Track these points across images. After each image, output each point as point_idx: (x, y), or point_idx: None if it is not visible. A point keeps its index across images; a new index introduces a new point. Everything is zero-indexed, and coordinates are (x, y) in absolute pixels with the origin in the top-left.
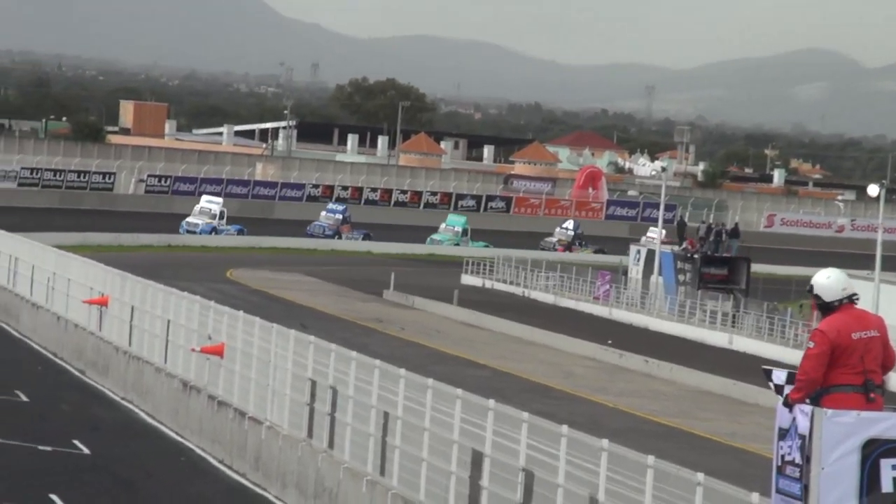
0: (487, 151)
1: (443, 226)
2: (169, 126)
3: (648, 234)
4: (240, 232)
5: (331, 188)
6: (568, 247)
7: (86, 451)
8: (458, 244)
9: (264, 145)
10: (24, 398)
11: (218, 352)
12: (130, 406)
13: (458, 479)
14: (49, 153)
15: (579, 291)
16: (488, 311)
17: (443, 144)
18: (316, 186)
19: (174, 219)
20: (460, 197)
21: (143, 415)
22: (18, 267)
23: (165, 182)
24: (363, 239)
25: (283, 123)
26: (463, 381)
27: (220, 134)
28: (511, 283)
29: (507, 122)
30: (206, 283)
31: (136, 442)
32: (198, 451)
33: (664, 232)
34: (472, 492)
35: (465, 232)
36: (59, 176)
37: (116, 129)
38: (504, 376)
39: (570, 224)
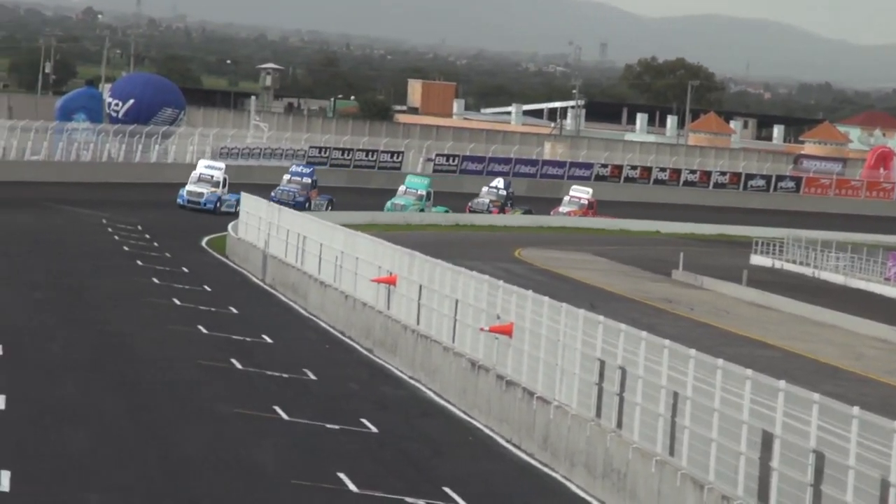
0: (777, 131)
1: (402, 188)
2: (457, 105)
3: None
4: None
5: (619, 167)
6: (501, 208)
7: (374, 429)
8: (422, 210)
9: (553, 125)
10: (312, 377)
11: (507, 331)
12: (418, 385)
13: (747, 460)
14: (337, 132)
15: (870, 272)
16: (777, 291)
17: (732, 124)
18: (605, 166)
19: (461, 198)
20: (749, 177)
21: (430, 394)
22: (307, 245)
23: (453, 161)
24: (327, 207)
25: (571, 103)
26: (752, 362)
27: (509, 113)
28: (801, 263)
29: (796, 102)
30: (492, 263)
31: (424, 421)
32: (485, 430)
33: None
34: (762, 473)
35: (428, 196)
36: (347, 155)
37: (404, 108)
38: (793, 357)
39: (499, 182)
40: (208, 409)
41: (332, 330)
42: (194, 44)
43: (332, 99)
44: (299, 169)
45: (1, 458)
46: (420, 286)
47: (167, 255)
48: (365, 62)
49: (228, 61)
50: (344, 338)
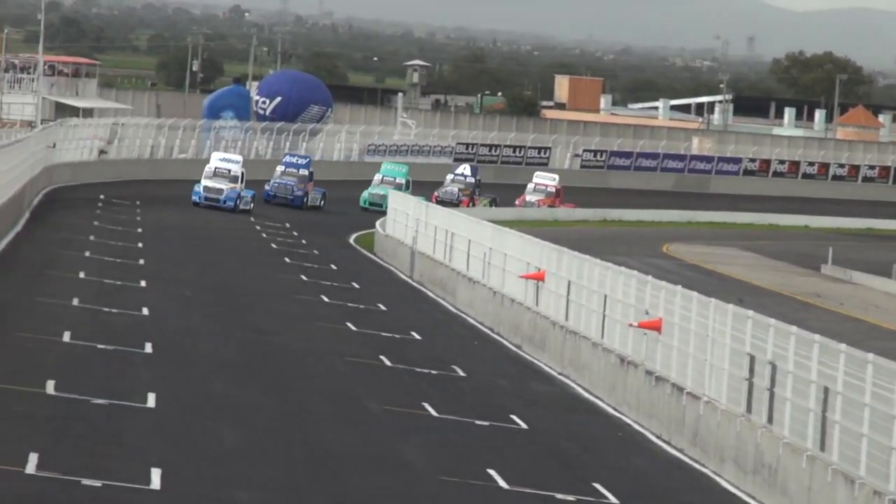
0: None
1: (378, 177)
2: (604, 101)
3: None
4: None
5: (767, 162)
6: (471, 197)
7: (523, 425)
8: None
9: (700, 119)
10: (461, 373)
11: (655, 327)
12: (567, 381)
13: None
14: (484, 128)
15: None
16: None
17: (881, 118)
18: (753, 161)
19: (609, 193)
20: None
21: (579, 390)
22: (455, 242)
23: (601, 157)
24: (321, 201)
25: (719, 97)
26: None
27: (656, 108)
28: None
29: None
30: (640, 258)
31: (574, 417)
32: (635, 426)
33: None
34: None
35: (407, 184)
36: (494, 151)
37: (551, 103)
38: None
39: (465, 170)
40: (357, 406)
41: (480, 326)
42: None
43: (479, 95)
44: (294, 159)
45: (151, 455)
46: (569, 282)
47: (315, 252)
48: (511, 58)
49: (375, 58)
50: (493, 334)
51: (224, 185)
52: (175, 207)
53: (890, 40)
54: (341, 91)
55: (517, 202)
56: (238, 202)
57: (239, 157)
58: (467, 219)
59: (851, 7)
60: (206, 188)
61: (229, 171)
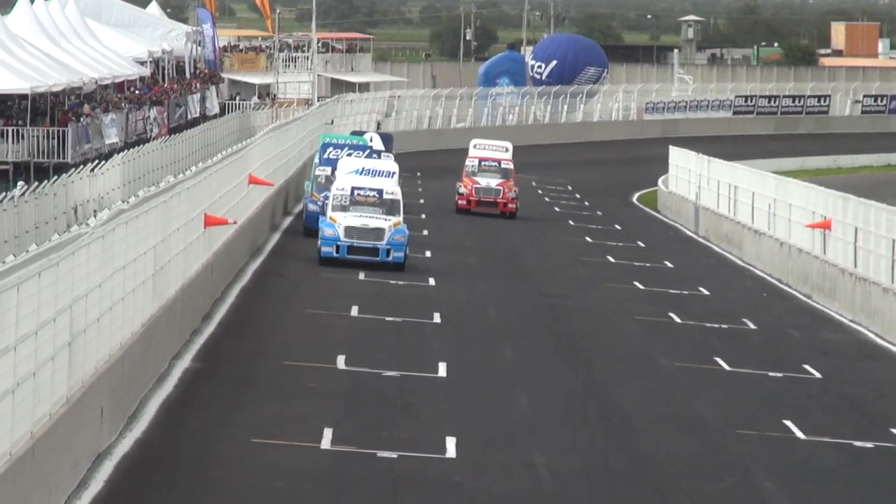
0: None
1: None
2: (882, 45)
3: None
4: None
5: None
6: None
7: (817, 375)
8: None
9: None
10: (752, 326)
11: None
12: (859, 328)
13: None
14: (762, 80)
15: None
16: None
17: None
18: None
19: (891, 138)
20: None
21: (872, 336)
22: (738, 195)
23: (881, 102)
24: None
25: None
26: None
27: None
28: None
29: None
30: None
31: (867, 364)
32: None
33: None
34: None
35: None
36: (773, 102)
37: (829, 51)
38: None
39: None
40: (649, 364)
41: (768, 278)
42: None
43: (755, 47)
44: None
45: (445, 425)
46: (855, 228)
47: (598, 213)
48: (786, 7)
49: (649, 16)
50: (781, 285)
51: (378, 223)
52: (455, 176)
53: None
54: (616, 51)
55: (460, 192)
56: (405, 251)
57: (393, 166)
58: (749, 171)
59: None
60: (350, 231)
61: (381, 193)
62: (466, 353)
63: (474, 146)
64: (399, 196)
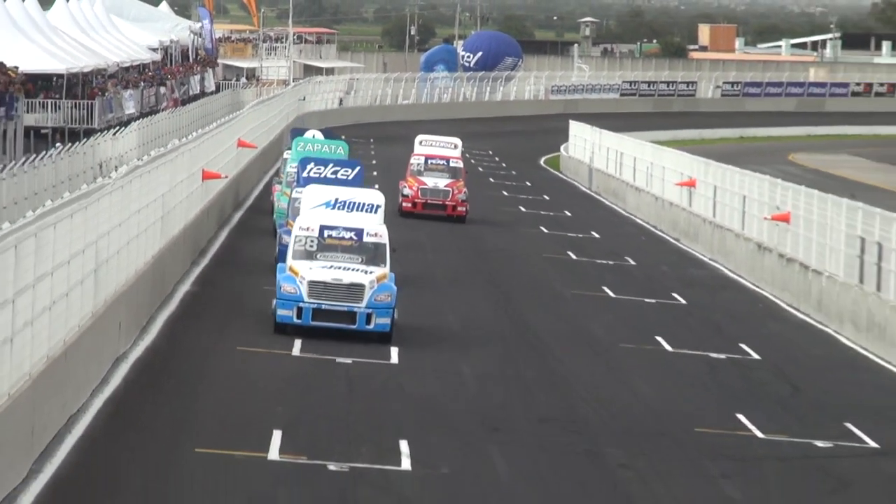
0: None
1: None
2: (738, 42)
3: None
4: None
5: (870, 85)
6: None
7: (683, 301)
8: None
9: (815, 54)
10: (632, 262)
11: (785, 219)
12: (716, 265)
13: None
14: (643, 69)
15: None
16: None
17: None
18: (858, 84)
19: (744, 116)
20: None
21: (726, 271)
22: (623, 160)
23: (737, 87)
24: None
25: (829, 35)
26: None
27: (780, 47)
28: None
29: None
30: (771, 166)
31: (723, 293)
32: (772, 298)
33: None
34: None
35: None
36: (652, 86)
37: (696, 47)
38: None
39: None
40: (553, 292)
41: (646, 225)
42: (526, 4)
43: (639, 43)
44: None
45: (394, 339)
46: (714, 187)
47: (513, 173)
48: (664, 12)
49: (555, 17)
50: (656, 231)
51: (359, 276)
52: (401, 143)
53: None
54: (529, 45)
55: (404, 193)
56: (393, 315)
57: (378, 197)
58: (632, 141)
59: None
60: (317, 287)
61: (360, 235)
62: (410, 288)
63: (420, 143)
64: (385, 239)
